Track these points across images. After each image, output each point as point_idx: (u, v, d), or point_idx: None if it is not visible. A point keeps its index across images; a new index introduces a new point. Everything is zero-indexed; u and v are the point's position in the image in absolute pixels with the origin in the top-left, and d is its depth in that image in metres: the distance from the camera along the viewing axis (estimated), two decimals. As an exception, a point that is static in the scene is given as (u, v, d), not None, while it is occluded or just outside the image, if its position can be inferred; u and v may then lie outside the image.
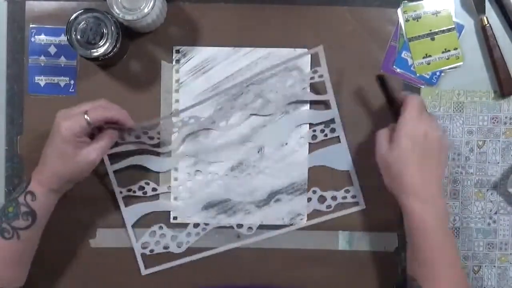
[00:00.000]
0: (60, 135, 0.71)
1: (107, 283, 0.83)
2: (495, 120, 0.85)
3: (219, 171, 0.84)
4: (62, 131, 0.71)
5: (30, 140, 0.83)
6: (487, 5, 0.84)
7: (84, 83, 0.83)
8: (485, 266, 0.85)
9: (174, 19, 0.83)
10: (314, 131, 0.83)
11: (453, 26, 0.84)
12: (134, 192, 0.83)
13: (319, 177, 0.83)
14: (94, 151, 0.73)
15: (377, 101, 0.83)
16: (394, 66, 0.84)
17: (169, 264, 0.83)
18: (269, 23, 0.83)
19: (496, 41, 0.83)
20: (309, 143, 0.84)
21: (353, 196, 0.84)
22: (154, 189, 0.83)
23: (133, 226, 0.83)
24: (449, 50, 0.84)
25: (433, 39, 0.84)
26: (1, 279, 0.72)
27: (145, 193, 0.83)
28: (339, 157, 0.84)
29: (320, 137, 0.83)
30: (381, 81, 0.82)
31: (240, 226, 0.84)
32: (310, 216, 0.84)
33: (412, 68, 0.84)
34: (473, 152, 0.85)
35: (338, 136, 0.83)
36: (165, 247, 0.84)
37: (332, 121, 0.83)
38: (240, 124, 0.83)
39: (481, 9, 0.83)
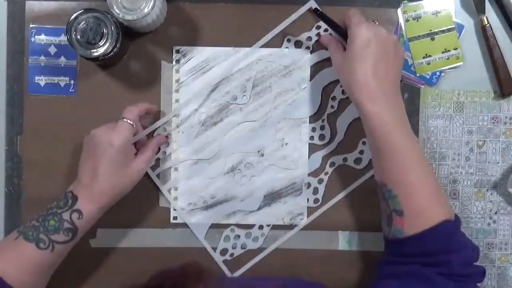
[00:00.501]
0: (114, 147, 0.73)
1: (107, 283, 0.83)
2: (495, 120, 0.85)
3: (219, 171, 0.84)
4: (115, 141, 0.73)
5: (30, 140, 0.83)
6: (487, 5, 0.84)
7: (84, 83, 0.83)
8: (485, 266, 0.85)
9: (174, 19, 0.83)
10: (332, 91, 0.84)
11: (453, 26, 0.84)
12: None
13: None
14: (142, 162, 0.77)
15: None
16: (394, 66, 0.84)
17: (252, 262, 0.84)
18: (269, 23, 0.83)
19: (496, 41, 0.83)
20: (309, 143, 0.84)
21: None
22: (212, 197, 0.84)
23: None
24: (449, 50, 0.84)
25: (433, 39, 0.84)
26: (23, 285, 0.70)
27: (205, 202, 0.84)
28: None
29: (343, 96, 0.84)
30: (318, 14, 0.80)
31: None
32: (368, 168, 0.83)
33: (412, 68, 0.84)
34: (473, 152, 0.85)
35: None
36: (243, 247, 0.84)
37: None
38: (240, 124, 0.83)
39: (481, 9, 0.83)
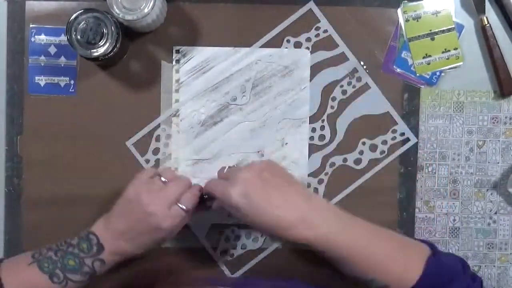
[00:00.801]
0: (161, 232, 0.70)
1: (108, 282, 0.83)
2: (495, 120, 0.85)
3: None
4: (165, 228, 0.70)
5: (30, 140, 0.83)
6: (487, 5, 0.84)
7: (84, 83, 0.83)
8: (485, 266, 0.85)
9: (174, 19, 0.83)
10: (342, 86, 0.83)
11: (453, 26, 0.84)
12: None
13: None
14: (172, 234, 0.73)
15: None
16: (394, 66, 0.84)
17: (252, 262, 0.84)
18: (269, 23, 0.83)
19: (496, 41, 0.83)
20: (309, 144, 0.84)
21: (402, 134, 0.84)
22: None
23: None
24: (449, 50, 0.84)
25: (433, 39, 0.84)
26: None
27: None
28: (375, 102, 0.84)
29: (350, 90, 0.84)
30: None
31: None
32: (367, 168, 0.84)
33: (412, 68, 0.84)
34: (473, 152, 0.85)
35: (366, 82, 0.83)
36: (243, 247, 0.84)
37: (355, 70, 0.83)
38: (240, 124, 0.83)
39: (481, 9, 0.83)
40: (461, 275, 0.69)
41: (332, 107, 0.84)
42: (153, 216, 0.69)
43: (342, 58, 0.84)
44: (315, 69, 0.84)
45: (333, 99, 0.84)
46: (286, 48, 0.83)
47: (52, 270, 0.69)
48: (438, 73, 0.84)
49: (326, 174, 0.84)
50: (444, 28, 0.84)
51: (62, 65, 0.83)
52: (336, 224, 0.67)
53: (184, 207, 0.71)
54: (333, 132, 0.84)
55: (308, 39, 0.83)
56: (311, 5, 0.83)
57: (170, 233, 0.72)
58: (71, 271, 0.70)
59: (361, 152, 0.84)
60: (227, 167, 0.76)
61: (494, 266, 0.85)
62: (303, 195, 0.68)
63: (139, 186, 0.71)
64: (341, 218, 0.69)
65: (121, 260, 0.73)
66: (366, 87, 0.84)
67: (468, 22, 0.84)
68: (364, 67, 0.84)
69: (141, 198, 0.70)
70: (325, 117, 0.84)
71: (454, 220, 0.85)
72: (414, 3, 0.84)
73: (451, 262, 0.71)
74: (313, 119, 0.84)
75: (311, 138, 0.84)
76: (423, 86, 0.84)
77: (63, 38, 0.82)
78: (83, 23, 0.75)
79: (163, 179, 0.72)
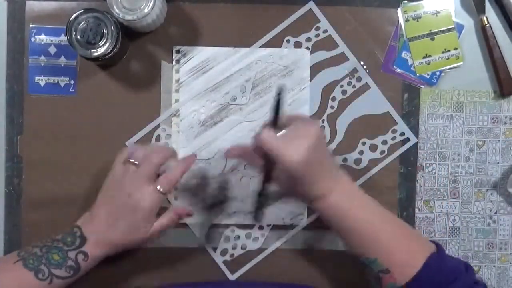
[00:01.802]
0: (143, 211, 0.71)
1: (107, 284, 0.83)
2: (495, 120, 0.85)
3: (219, 171, 0.84)
4: (146, 206, 0.71)
5: (30, 140, 0.83)
6: (487, 5, 0.84)
7: (84, 83, 0.83)
8: (485, 266, 0.85)
9: (174, 19, 0.83)
10: (342, 86, 0.83)
11: (453, 26, 0.84)
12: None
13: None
14: (160, 229, 0.74)
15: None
16: (394, 66, 0.84)
17: (252, 263, 0.84)
18: (269, 23, 0.83)
19: (496, 41, 0.83)
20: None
21: (402, 134, 0.84)
22: (212, 197, 0.83)
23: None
24: (449, 50, 0.84)
25: (433, 39, 0.84)
26: None
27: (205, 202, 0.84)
28: (375, 102, 0.84)
29: (350, 90, 0.84)
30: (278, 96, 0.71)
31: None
32: (367, 168, 0.84)
33: (412, 68, 0.84)
34: (473, 152, 0.85)
35: (366, 82, 0.83)
36: (243, 248, 0.84)
37: (355, 70, 0.83)
38: (240, 124, 0.83)
39: (481, 9, 0.83)
40: (464, 276, 0.69)
41: (332, 107, 0.84)
42: (131, 197, 0.71)
43: (342, 58, 0.84)
44: (315, 69, 0.84)
45: (333, 99, 0.84)
46: (286, 48, 0.83)
47: (37, 266, 0.69)
48: (438, 73, 0.84)
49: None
50: (444, 28, 0.84)
51: (62, 65, 0.83)
52: (349, 195, 0.71)
53: (161, 190, 0.72)
54: (333, 132, 0.84)
55: (308, 39, 0.83)
56: (311, 5, 0.83)
57: (149, 214, 0.72)
58: (56, 265, 0.70)
59: (361, 152, 0.84)
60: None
61: (494, 266, 0.85)
62: (337, 167, 0.74)
63: (116, 174, 0.73)
64: (355, 192, 0.72)
65: (105, 255, 0.73)
66: (366, 87, 0.84)
67: (468, 22, 0.84)
68: (364, 67, 0.84)
69: (119, 183, 0.72)
70: (325, 117, 0.84)
71: (454, 220, 0.85)
72: (414, 3, 0.84)
73: (455, 262, 0.71)
74: (313, 119, 0.84)
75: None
76: (423, 86, 0.84)
77: (63, 38, 0.82)
78: (83, 23, 0.75)
79: (136, 162, 0.72)
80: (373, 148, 0.84)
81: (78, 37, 0.75)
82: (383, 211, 0.73)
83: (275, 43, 0.83)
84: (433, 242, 0.73)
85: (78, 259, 0.71)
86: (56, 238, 0.72)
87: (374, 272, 0.71)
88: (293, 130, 0.68)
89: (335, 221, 0.71)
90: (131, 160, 0.73)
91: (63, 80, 0.83)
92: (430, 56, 0.84)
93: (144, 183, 0.71)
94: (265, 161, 0.71)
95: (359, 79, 0.84)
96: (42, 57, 0.82)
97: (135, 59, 0.83)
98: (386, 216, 0.73)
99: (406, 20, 0.84)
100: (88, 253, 0.71)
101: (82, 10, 0.75)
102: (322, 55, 0.83)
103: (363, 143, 0.84)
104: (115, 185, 0.73)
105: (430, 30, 0.84)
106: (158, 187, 0.72)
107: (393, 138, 0.84)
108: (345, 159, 0.84)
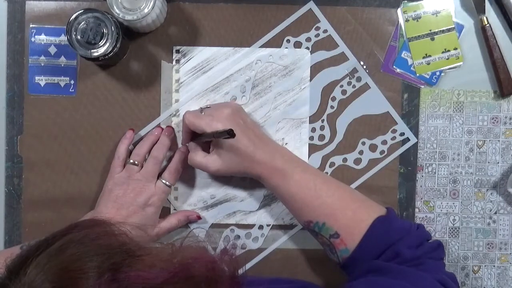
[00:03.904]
0: (152, 209, 0.76)
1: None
2: (495, 120, 0.85)
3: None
4: (156, 203, 0.76)
5: (30, 140, 0.83)
6: (487, 5, 0.84)
7: (84, 83, 0.83)
8: (485, 266, 0.85)
9: (174, 19, 0.83)
10: (342, 86, 0.84)
11: (453, 26, 0.84)
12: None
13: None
14: (164, 231, 0.79)
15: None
16: (394, 66, 0.84)
17: (252, 262, 0.84)
18: (269, 23, 0.83)
19: (496, 41, 0.83)
20: (309, 144, 0.84)
21: (402, 134, 0.84)
22: (212, 197, 0.84)
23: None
24: (449, 50, 0.84)
25: (433, 39, 0.84)
26: None
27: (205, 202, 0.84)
28: (375, 102, 0.84)
29: (350, 90, 0.84)
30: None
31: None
32: (367, 168, 0.84)
33: (412, 68, 0.84)
34: (473, 152, 0.85)
35: (366, 82, 0.83)
36: (243, 247, 0.84)
37: (355, 70, 0.83)
38: (240, 124, 0.83)
39: (481, 9, 0.83)
40: (413, 233, 0.70)
41: (332, 107, 0.84)
42: (141, 195, 0.75)
43: (342, 58, 0.84)
44: (315, 69, 0.84)
45: (333, 99, 0.84)
46: (286, 48, 0.83)
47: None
48: (438, 73, 0.84)
49: (326, 174, 0.84)
50: (444, 28, 0.84)
51: (62, 65, 0.83)
52: (290, 160, 0.75)
53: (167, 183, 0.78)
54: (333, 132, 0.84)
55: (308, 39, 0.83)
56: (311, 5, 0.83)
57: (158, 210, 0.77)
58: None
59: (361, 152, 0.84)
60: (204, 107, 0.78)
61: (494, 266, 0.85)
62: (268, 138, 0.79)
63: (119, 176, 0.77)
64: (295, 157, 0.77)
65: None
66: (366, 87, 0.84)
67: (468, 22, 0.84)
68: (364, 67, 0.84)
69: (124, 184, 0.76)
70: (325, 117, 0.84)
71: (454, 220, 0.85)
72: (414, 3, 0.84)
73: (404, 223, 0.73)
74: (313, 119, 0.84)
75: (311, 138, 0.84)
76: (423, 86, 0.84)
77: (63, 38, 0.82)
78: (83, 23, 0.75)
79: (136, 162, 0.77)
80: (373, 148, 0.84)
81: (78, 37, 0.75)
82: (328, 177, 0.77)
83: (275, 43, 0.83)
84: (386, 207, 0.74)
85: None
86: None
87: (326, 240, 0.72)
88: (212, 107, 0.77)
89: (280, 186, 0.73)
90: (131, 161, 0.76)
91: (63, 80, 0.83)
92: (430, 56, 0.84)
93: (151, 182, 0.77)
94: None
95: (359, 79, 0.84)
96: (42, 57, 0.82)
97: (135, 59, 0.83)
98: (331, 181, 0.76)
99: (406, 20, 0.84)
100: None
101: (82, 10, 0.75)
102: (322, 55, 0.83)
103: (363, 143, 0.84)
104: (120, 186, 0.76)
105: (430, 30, 0.84)
106: (164, 180, 0.78)
107: (393, 138, 0.84)
108: (345, 159, 0.84)
